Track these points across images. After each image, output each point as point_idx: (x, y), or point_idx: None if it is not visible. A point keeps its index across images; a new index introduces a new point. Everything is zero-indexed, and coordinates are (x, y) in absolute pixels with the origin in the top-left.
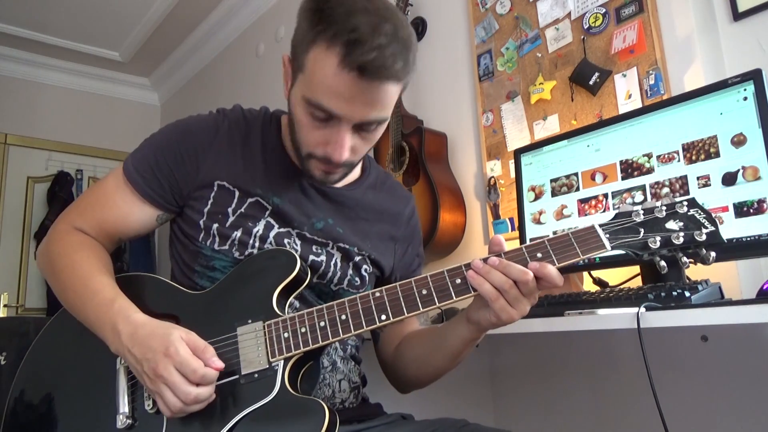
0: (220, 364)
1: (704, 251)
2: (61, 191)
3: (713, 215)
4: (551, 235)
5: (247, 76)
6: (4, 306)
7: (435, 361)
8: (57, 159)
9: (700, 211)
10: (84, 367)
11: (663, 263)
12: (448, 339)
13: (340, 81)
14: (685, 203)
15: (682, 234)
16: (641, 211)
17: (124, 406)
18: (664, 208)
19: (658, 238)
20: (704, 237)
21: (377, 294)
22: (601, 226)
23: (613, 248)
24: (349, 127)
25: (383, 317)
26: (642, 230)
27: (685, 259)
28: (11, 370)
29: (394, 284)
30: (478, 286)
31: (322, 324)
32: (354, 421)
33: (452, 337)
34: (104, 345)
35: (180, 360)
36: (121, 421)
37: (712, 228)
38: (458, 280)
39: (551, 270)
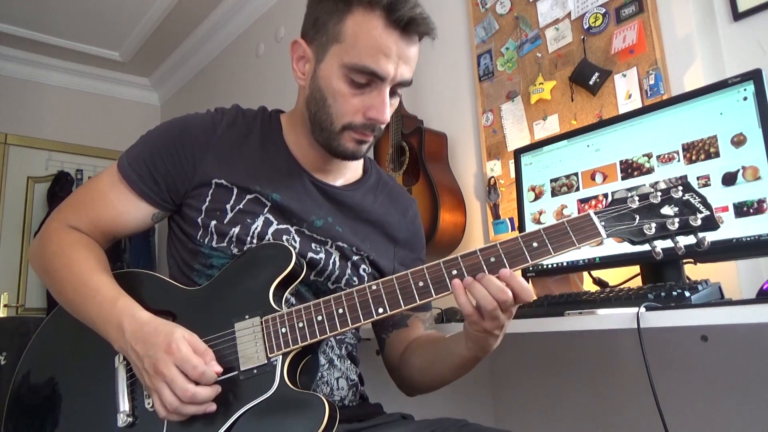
0: (219, 368)
1: (699, 235)
2: (61, 191)
3: (707, 199)
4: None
5: (247, 76)
6: (4, 306)
7: (440, 371)
8: (57, 159)
9: (694, 195)
10: (82, 366)
11: (659, 249)
12: (453, 353)
13: (387, 38)
14: (680, 187)
15: (677, 220)
16: (636, 198)
17: (124, 405)
18: (659, 193)
19: (654, 224)
20: (699, 222)
21: (374, 287)
22: (596, 213)
23: (608, 236)
24: (389, 89)
25: (380, 310)
26: (637, 217)
27: (680, 244)
28: (11, 370)
29: (390, 277)
30: (459, 298)
31: (320, 318)
32: (354, 421)
33: (456, 352)
34: (101, 343)
35: (181, 357)
36: (122, 419)
37: (707, 212)
38: (455, 272)
39: (519, 283)
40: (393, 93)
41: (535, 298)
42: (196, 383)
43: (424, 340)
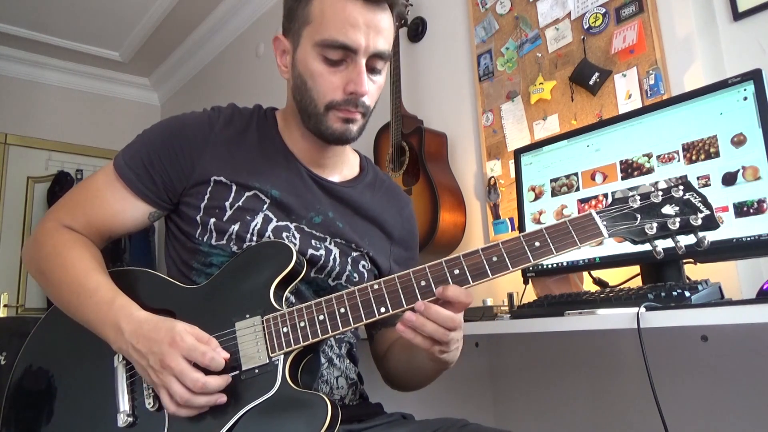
0: (226, 354)
1: (700, 235)
2: (61, 191)
3: (708, 198)
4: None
5: (247, 76)
6: (4, 306)
7: (410, 379)
8: (57, 159)
9: (695, 195)
10: (79, 365)
11: (660, 249)
12: (420, 365)
13: (352, 9)
14: (681, 187)
15: (678, 219)
16: (638, 197)
17: (124, 405)
18: (660, 193)
19: (655, 224)
20: (700, 221)
21: (375, 286)
22: (598, 213)
23: (610, 235)
24: (364, 61)
25: (382, 309)
26: (639, 216)
27: (681, 244)
28: (11, 370)
29: (392, 276)
30: (411, 339)
31: (321, 317)
32: (354, 421)
33: (422, 365)
34: (99, 343)
35: (187, 347)
36: (122, 419)
37: (708, 212)
38: (456, 271)
39: (454, 290)
40: (373, 69)
41: (471, 301)
42: (205, 373)
43: (400, 345)
